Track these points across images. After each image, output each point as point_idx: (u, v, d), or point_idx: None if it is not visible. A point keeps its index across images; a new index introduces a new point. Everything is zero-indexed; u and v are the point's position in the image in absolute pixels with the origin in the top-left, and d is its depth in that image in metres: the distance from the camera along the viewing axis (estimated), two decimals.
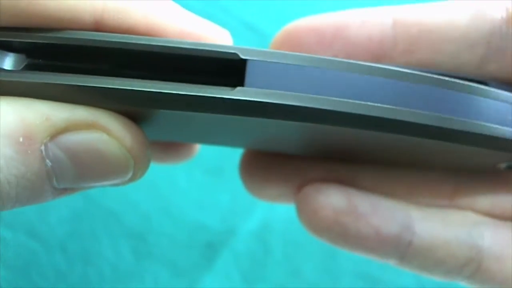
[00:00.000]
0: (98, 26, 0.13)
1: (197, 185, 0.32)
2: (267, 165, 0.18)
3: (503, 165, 0.16)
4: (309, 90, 0.13)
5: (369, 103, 0.13)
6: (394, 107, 0.13)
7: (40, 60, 0.13)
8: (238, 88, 0.12)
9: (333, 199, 0.17)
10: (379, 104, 0.13)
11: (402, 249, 0.17)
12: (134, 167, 0.13)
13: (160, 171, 0.32)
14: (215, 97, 0.12)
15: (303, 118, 0.13)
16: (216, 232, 0.31)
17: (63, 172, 0.13)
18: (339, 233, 0.17)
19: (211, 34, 0.14)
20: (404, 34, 0.16)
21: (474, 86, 0.13)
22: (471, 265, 0.17)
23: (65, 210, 0.30)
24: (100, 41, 0.13)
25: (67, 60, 0.13)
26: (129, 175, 0.14)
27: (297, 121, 0.13)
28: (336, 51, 0.16)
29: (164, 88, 0.12)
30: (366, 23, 0.17)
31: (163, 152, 0.20)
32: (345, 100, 0.13)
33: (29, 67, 0.13)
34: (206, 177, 0.32)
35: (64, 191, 0.13)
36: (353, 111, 0.13)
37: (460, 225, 0.17)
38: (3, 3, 0.12)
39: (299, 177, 0.18)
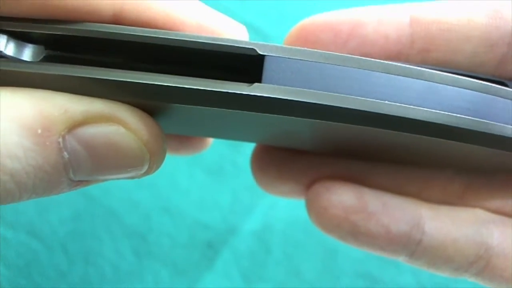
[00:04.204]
0: (117, 19, 0.13)
1: (198, 185, 0.32)
2: (279, 161, 0.18)
3: None
4: (327, 87, 0.12)
5: (387, 102, 0.13)
6: (412, 106, 0.13)
7: (59, 52, 0.13)
8: (256, 84, 0.12)
9: (343, 197, 0.17)
10: (397, 103, 0.13)
11: (412, 247, 0.17)
12: (150, 161, 0.13)
13: (160, 171, 0.32)
14: (232, 93, 0.12)
15: (320, 116, 0.12)
16: (216, 231, 0.31)
17: (80, 164, 0.13)
18: (349, 231, 0.17)
19: (228, 29, 0.14)
20: (422, 32, 0.16)
21: (491, 86, 0.13)
22: (479, 262, 0.17)
23: (66, 210, 0.30)
24: (118, 34, 0.13)
25: (85, 53, 0.13)
26: (145, 168, 0.14)
27: (314, 119, 0.13)
28: (351, 49, 0.16)
29: (182, 83, 0.12)
30: (383, 21, 0.16)
31: (177, 143, 0.20)
32: (363, 98, 0.12)
33: (48, 59, 0.13)
34: (206, 177, 0.32)
35: (80, 183, 0.13)
36: (372, 110, 0.12)
37: (470, 223, 0.17)
38: None
39: (311, 173, 0.18)
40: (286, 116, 0.13)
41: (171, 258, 0.30)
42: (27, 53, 0.13)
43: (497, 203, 0.18)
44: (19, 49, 0.13)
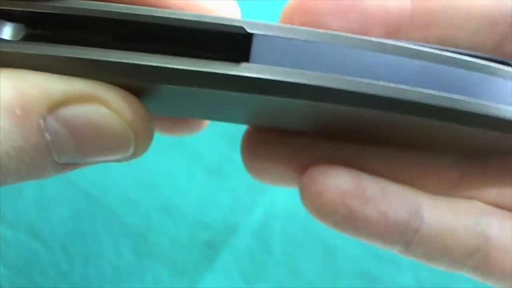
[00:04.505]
0: None
1: (197, 185, 0.32)
2: (270, 145, 0.18)
3: None
4: (317, 67, 0.12)
5: (380, 82, 0.12)
6: (406, 87, 0.12)
7: (39, 31, 0.13)
8: (243, 63, 0.12)
9: (340, 181, 0.16)
10: (390, 84, 0.12)
11: (409, 236, 0.16)
12: (135, 142, 0.13)
13: (160, 170, 0.32)
14: (218, 73, 0.12)
15: (310, 96, 0.12)
16: (216, 231, 0.31)
17: (62, 146, 0.12)
18: (345, 217, 0.16)
19: (218, 7, 0.14)
20: (423, 7, 0.16)
21: (493, 67, 0.13)
22: (478, 254, 0.16)
23: (66, 210, 0.30)
24: (101, 11, 0.12)
25: (67, 31, 0.13)
26: (131, 150, 0.13)
27: (304, 100, 0.12)
28: (351, 22, 0.16)
29: (165, 63, 0.12)
30: None
31: (171, 124, 0.19)
32: (355, 78, 0.12)
33: (28, 38, 0.13)
34: (206, 176, 0.32)
35: (67, 166, 0.13)
36: (362, 90, 0.12)
37: (469, 213, 0.17)
38: None
39: (304, 157, 0.17)
40: (274, 97, 0.12)
41: (171, 258, 0.30)
42: (7, 32, 0.12)
43: (493, 193, 0.17)
44: None
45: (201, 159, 0.33)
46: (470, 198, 0.17)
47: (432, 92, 0.12)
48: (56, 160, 0.13)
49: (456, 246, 0.16)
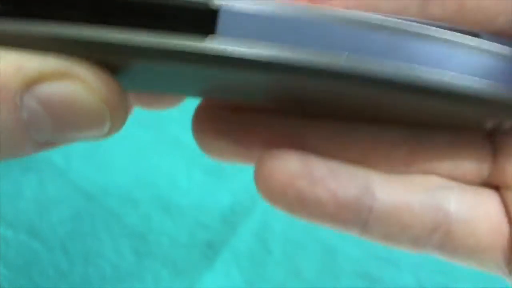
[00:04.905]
0: None
1: (198, 185, 0.32)
2: (222, 123, 0.18)
3: (489, 125, 0.16)
4: (285, 40, 0.12)
5: (347, 54, 0.12)
6: (376, 61, 0.12)
7: (11, 7, 0.13)
8: (209, 36, 0.12)
9: (288, 164, 0.16)
10: (359, 57, 0.12)
11: (363, 216, 0.16)
12: (110, 117, 0.13)
13: (160, 170, 0.32)
14: (184, 46, 0.12)
15: (278, 70, 0.12)
16: (216, 231, 0.31)
17: (40, 123, 0.13)
18: (295, 199, 0.16)
19: None
20: None
21: (462, 37, 0.13)
22: (440, 230, 0.16)
23: (66, 210, 0.31)
24: None
25: (38, 7, 0.13)
26: (107, 126, 0.13)
27: (273, 73, 0.12)
28: None
29: (132, 37, 0.12)
30: None
31: (150, 98, 0.20)
32: (317, 51, 0.12)
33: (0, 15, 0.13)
34: (206, 177, 0.33)
35: (46, 144, 0.13)
36: (326, 63, 0.12)
37: (423, 188, 0.17)
38: None
39: (255, 134, 0.17)
40: (242, 70, 0.12)
41: (171, 258, 0.31)
42: None
43: (447, 167, 0.17)
44: None
45: (201, 159, 0.33)
46: (424, 173, 0.17)
47: (399, 63, 0.13)
48: (35, 138, 0.13)
49: (414, 222, 0.16)
